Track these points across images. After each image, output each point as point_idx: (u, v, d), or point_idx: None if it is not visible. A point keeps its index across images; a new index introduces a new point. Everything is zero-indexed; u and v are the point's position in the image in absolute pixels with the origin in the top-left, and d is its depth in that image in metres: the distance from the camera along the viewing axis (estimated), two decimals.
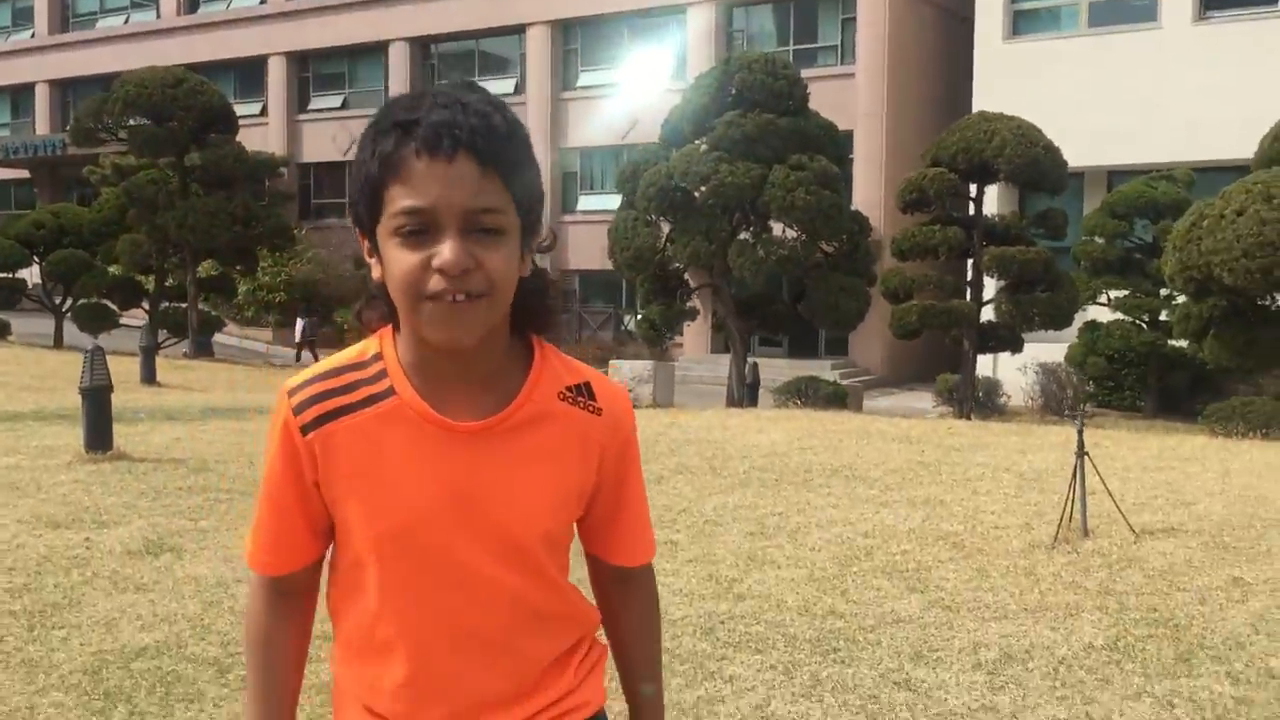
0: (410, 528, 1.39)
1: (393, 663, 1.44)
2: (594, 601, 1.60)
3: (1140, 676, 4.00)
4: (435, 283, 1.27)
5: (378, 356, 1.41)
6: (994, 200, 21.64)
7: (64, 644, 4.46)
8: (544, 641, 1.49)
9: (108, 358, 9.32)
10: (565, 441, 1.42)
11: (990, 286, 18.46)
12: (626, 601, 1.61)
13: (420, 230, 1.27)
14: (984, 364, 21.70)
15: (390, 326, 1.42)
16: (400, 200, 1.27)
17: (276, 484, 1.44)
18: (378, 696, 1.46)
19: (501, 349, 1.40)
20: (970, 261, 18.46)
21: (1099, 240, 22.06)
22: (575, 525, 1.52)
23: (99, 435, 8.75)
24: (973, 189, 18.17)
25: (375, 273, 1.36)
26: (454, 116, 1.26)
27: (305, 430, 1.39)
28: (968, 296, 18.43)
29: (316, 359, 27.44)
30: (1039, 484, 7.72)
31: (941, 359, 22.97)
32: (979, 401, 22.41)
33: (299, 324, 29.14)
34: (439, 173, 1.25)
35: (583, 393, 1.45)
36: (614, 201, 23.00)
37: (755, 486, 7.60)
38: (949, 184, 17.48)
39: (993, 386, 23.62)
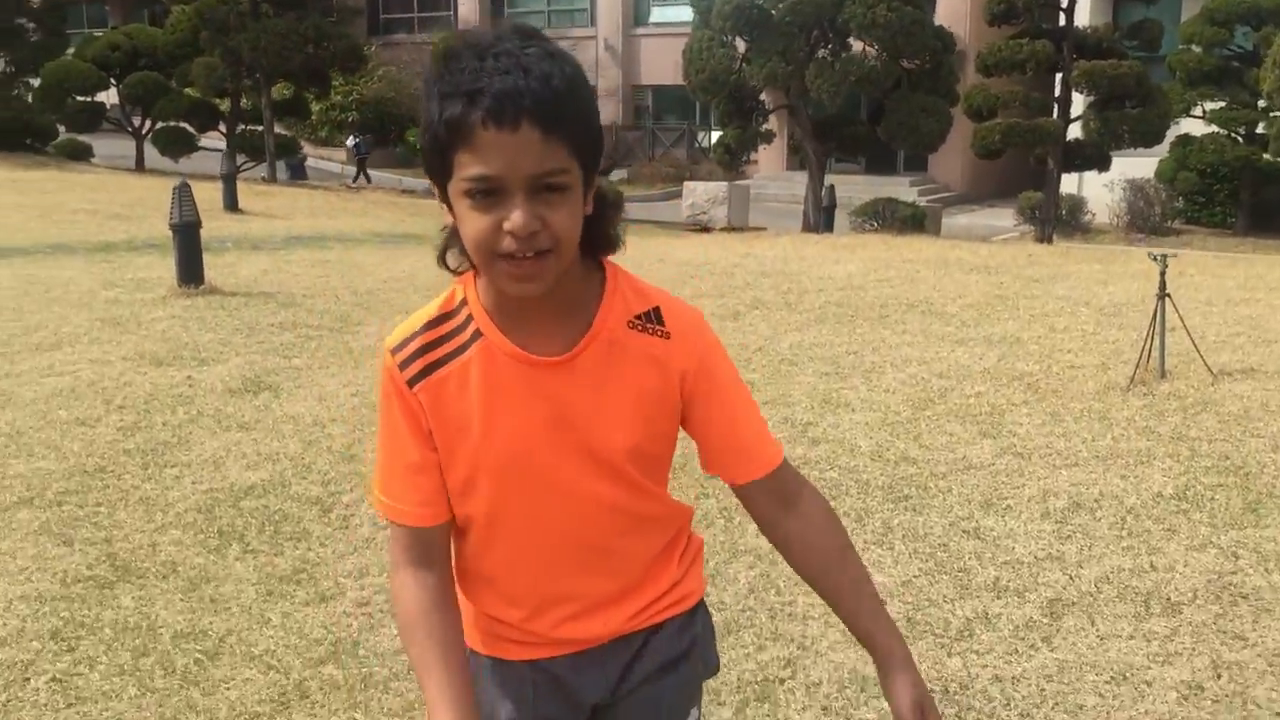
0: (513, 456, 1.49)
1: (509, 586, 1.58)
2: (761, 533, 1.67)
3: (1207, 527, 4.10)
4: (507, 244, 1.34)
5: (464, 303, 1.50)
6: (1086, 11, 20.70)
7: (177, 482, 4.76)
8: (643, 540, 1.60)
9: (191, 183, 9.51)
10: (639, 367, 1.49)
11: (1079, 103, 17.85)
12: (781, 521, 1.60)
13: (489, 193, 1.33)
14: (1069, 181, 21.19)
15: (472, 271, 1.49)
16: (469, 167, 1.33)
17: (396, 434, 1.52)
18: (500, 611, 1.60)
19: (574, 279, 1.46)
20: (1059, 77, 17.82)
21: (1196, 49, 21.12)
22: (695, 445, 1.60)
23: (191, 269, 9.03)
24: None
25: (448, 219, 1.43)
26: (516, 84, 1.29)
27: (412, 384, 1.49)
28: (1055, 114, 17.86)
29: (369, 179, 27.45)
30: (1118, 319, 7.67)
31: (1024, 175, 22.45)
32: (1062, 220, 21.99)
33: (350, 141, 29.19)
34: (505, 142, 1.30)
35: (651, 319, 1.51)
36: (687, 13, 22.40)
37: (831, 323, 7.67)
38: None
39: (1077, 204, 23.11)
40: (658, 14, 35.25)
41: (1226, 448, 4.91)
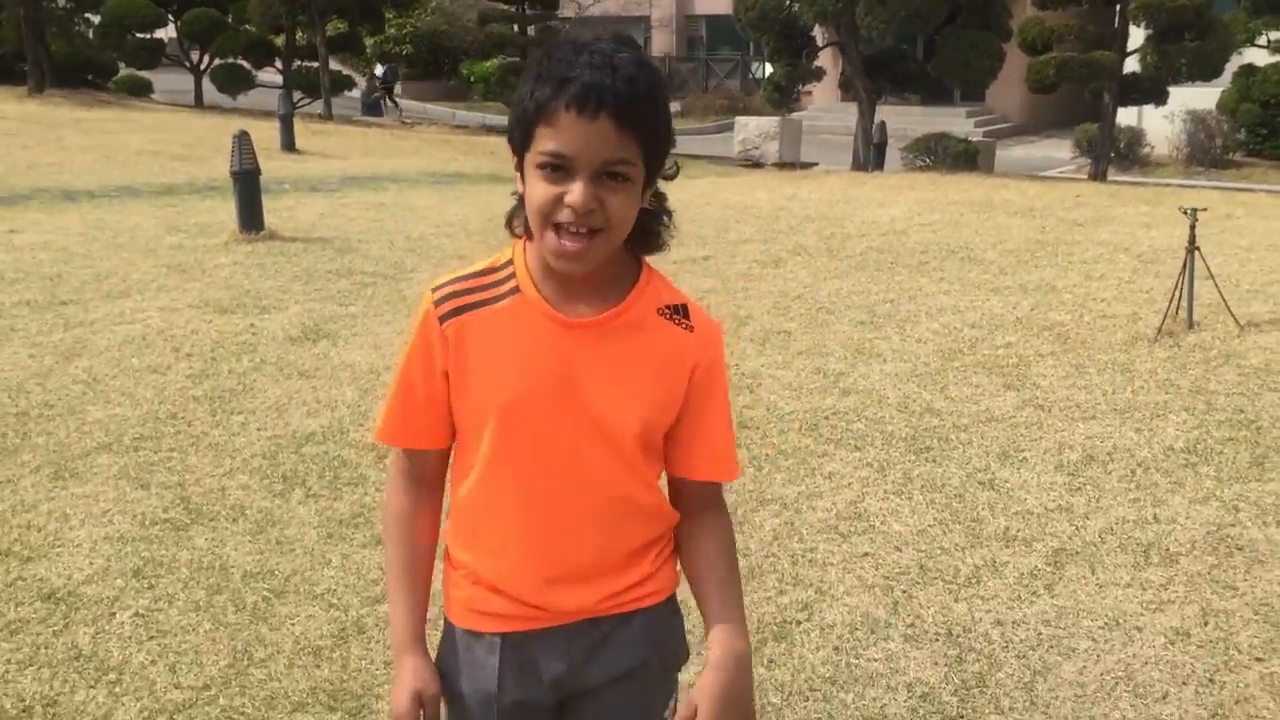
0: (520, 404, 1.61)
1: (498, 532, 1.68)
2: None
3: (1212, 480, 4.29)
4: (565, 215, 1.49)
5: (509, 263, 1.65)
6: None
7: (243, 429, 5.10)
8: (631, 527, 1.70)
9: (248, 123, 9.82)
10: (659, 351, 1.62)
11: (1137, 36, 17.56)
12: (702, 527, 1.73)
13: (559, 168, 1.49)
14: (1129, 113, 20.89)
15: (526, 237, 1.63)
16: (547, 142, 1.48)
17: (410, 366, 1.67)
18: (484, 563, 1.70)
19: (614, 264, 1.61)
20: (1116, 9, 17.52)
21: None
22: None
23: (251, 216, 9.35)
24: None
25: (519, 187, 1.58)
26: (603, 79, 1.45)
27: (443, 320, 1.62)
28: (1112, 47, 17.58)
29: (397, 105, 27.50)
30: (1156, 265, 7.76)
31: (1084, 105, 22.15)
32: (1120, 153, 21.70)
33: (378, 69, 29.30)
34: (583, 127, 1.46)
35: (679, 312, 1.66)
36: None
37: (870, 270, 7.83)
38: None
39: (1136, 137, 22.78)
40: None
41: (1242, 401, 5.07)
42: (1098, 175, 18.03)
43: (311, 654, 3.33)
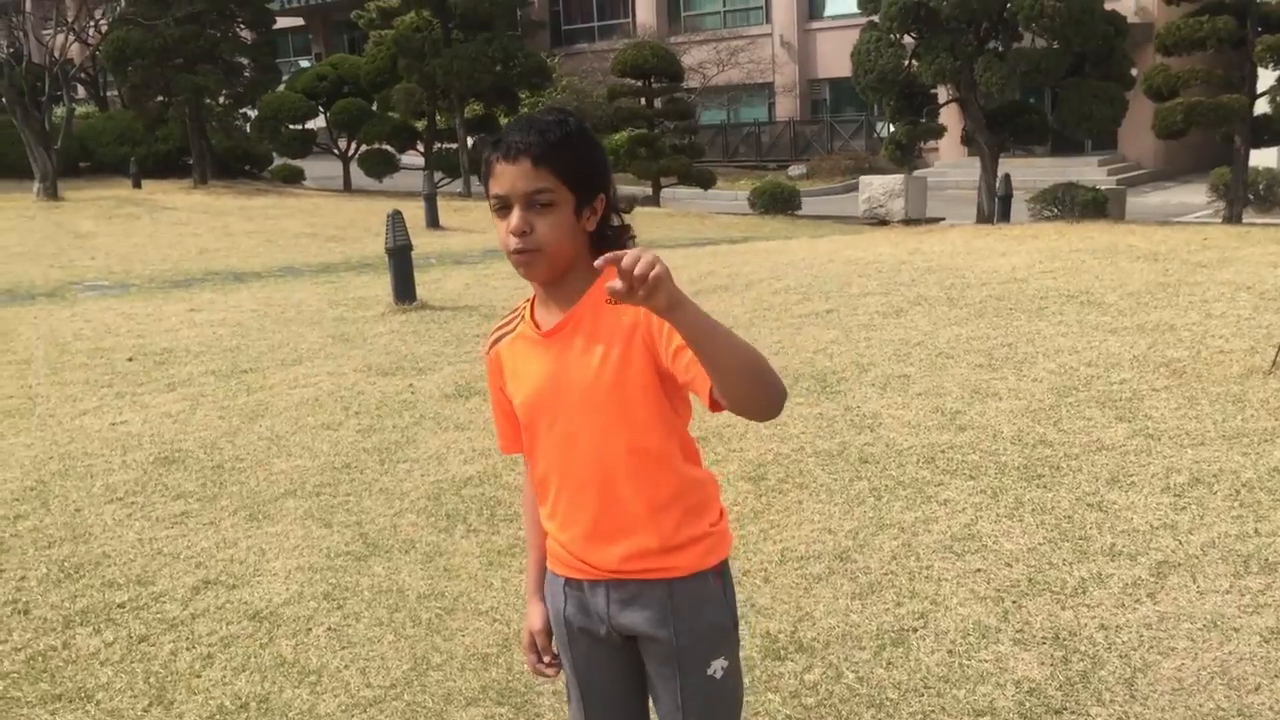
0: (529, 401, 2.09)
1: (549, 500, 2.14)
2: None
3: None
4: (511, 241, 1.94)
5: (529, 300, 2.12)
6: None
7: (409, 475, 5.67)
8: (650, 478, 2.05)
9: (393, 201, 10.62)
10: (603, 331, 1.99)
11: (1266, 77, 17.39)
12: None
13: (503, 207, 1.95)
14: (1267, 154, 20.54)
15: None
16: (492, 188, 1.96)
17: (490, 392, 2.24)
18: (550, 523, 2.17)
19: (580, 279, 2.00)
20: (1244, 51, 17.40)
21: None
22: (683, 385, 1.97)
23: (405, 288, 10.12)
24: None
25: None
26: (521, 135, 1.92)
27: (488, 351, 2.19)
28: (1241, 90, 17.44)
29: None
30: (1278, 303, 7.85)
31: (1220, 148, 21.85)
32: (1259, 196, 21.29)
33: None
34: (507, 172, 1.93)
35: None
36: None
37: (990, 316, 8.10)
38: None
39: (1275, 179, 22.31)
40: (832, 7, 35.43)
41: None
42: (1232, 218, 17.80)
43: (480, 660, 3.81)
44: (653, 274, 1.62)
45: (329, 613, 4.22)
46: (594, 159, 2.01)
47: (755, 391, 1.82)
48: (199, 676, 3.80)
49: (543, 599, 2.28)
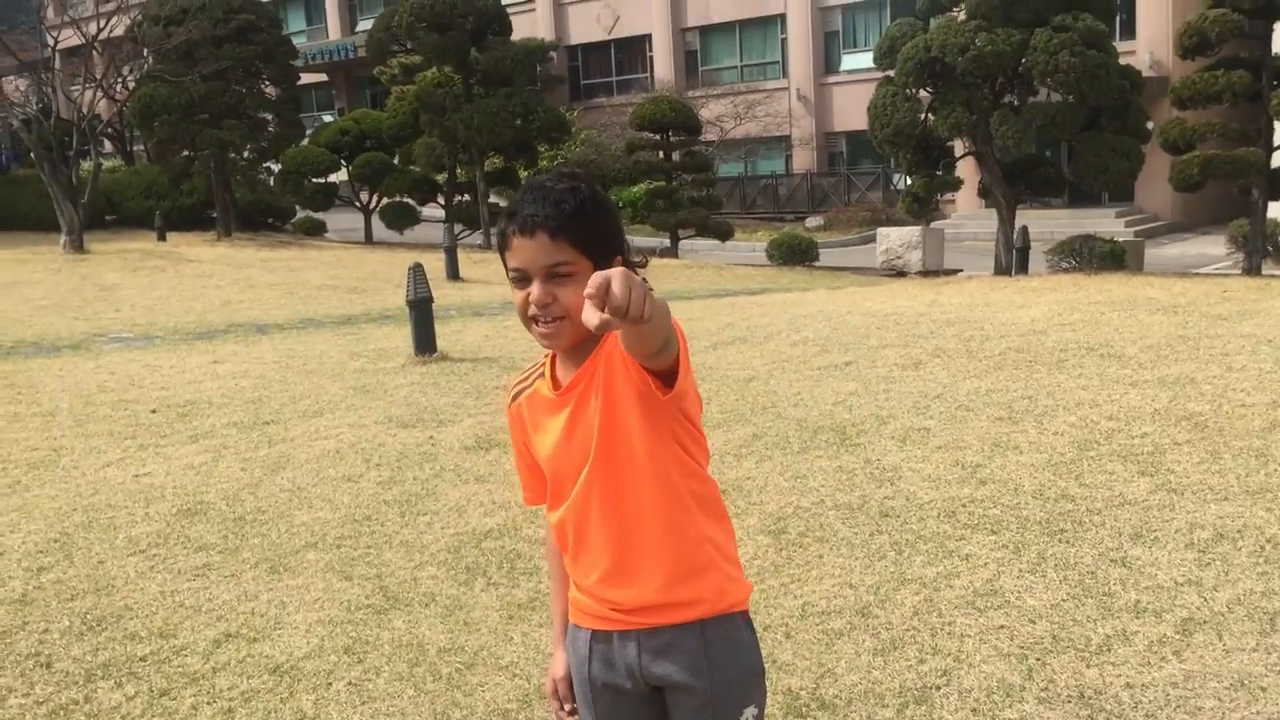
0: (551, 455, 2.13)
1: (574, 548, 2.16)
2: None
3: None
4: (533, 311, 1.99)
5: (549, 357, 2.16)
6: None
7: (429, 527, 5.68)
8: (672, 515, 2.08)
9: (415, 254, 10.72)
10: (606, 377, 2.03)
11: None
12: None
13: (522, 279, 2.00)
14: None
15: None
16: (510, 261, 2.01)
17: (513, 445, 2.27)
18: (574, 572, 2.19)
19: (594, 338, 2.01)
20: (1260, 104, 17.47)
21: None
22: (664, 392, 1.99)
23: (425, 340, 10.18)
24: (1262, 27, 17.11)
25: None
26: (536, 209, 1.96)
27: (510, 404, 2.22)
28: (1258, 143, 17.49)
29: None
30: None
31: (1238, 200, 21.89)
32: (1278, 247, 21.27)
33: None
34: (525, 245, 1.97)
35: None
36: None
37: (1009, 369, 8.10)
38: (1231, 25, 16.54)
39: None
40: (848, 61, 35.78)
41: None
42: (1251, 270, 17.78)
43: (500, 715, 3.80)
44: (634, 297, 1.61)
45: (349, 667, 4.22)
46: (608, 224, 2.04)
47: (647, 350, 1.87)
48: None
49: (564, 646, 2.30)
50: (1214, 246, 24.11)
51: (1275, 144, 17.44)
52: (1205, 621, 4.04)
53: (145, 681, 4.17)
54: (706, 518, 2.13)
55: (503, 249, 2.03)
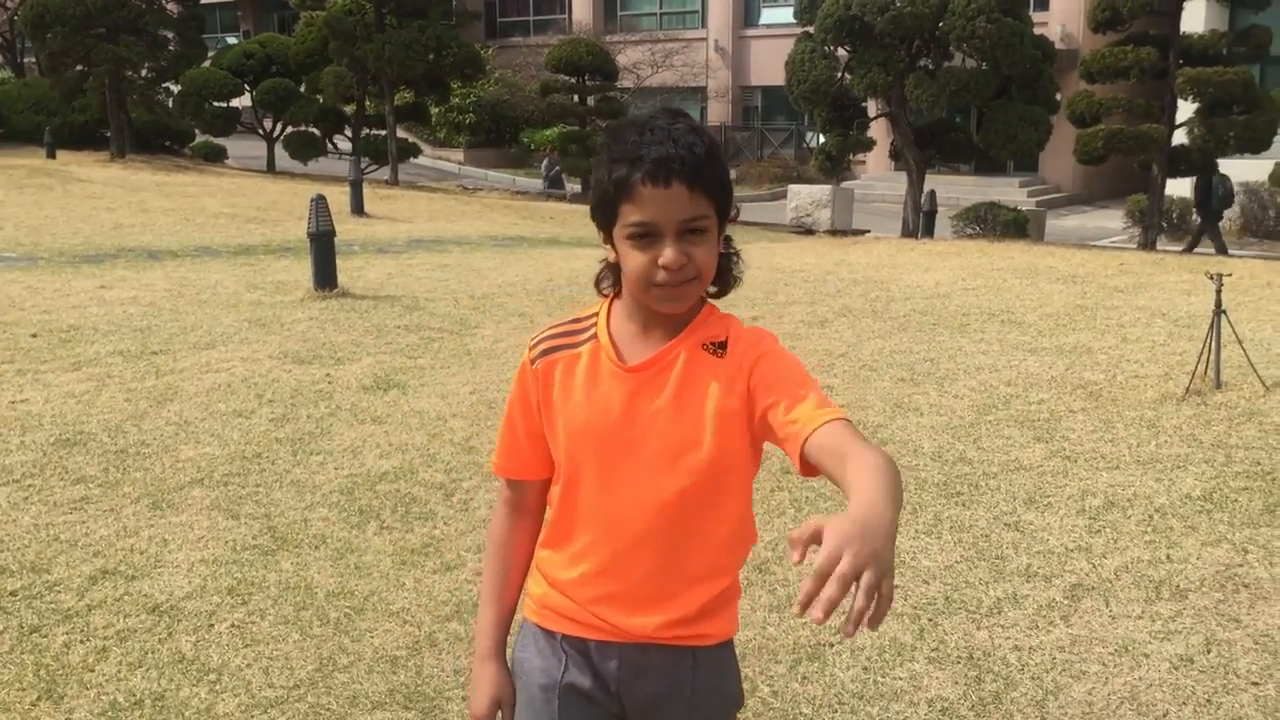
0: (583, 433, 1.83)
1: (571, 547, 1.88)
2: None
3: (1225, 525, 4.56)
4: (661, 276, 1.70)
5: (594, 315, 1.88)
6: (1200, 18, 20.62)
7: (321, 468, 5.52)
8: (694, 551, 1.83)
9: (318, 185, 10.41)
10: (698, 377, 1.79)
11: (1185, 109, 17.85)
12: (849, 461, 1.55)
13: (647, 235, 1.70)
14: (1182, 183, 21.12)
15: (613, 295, 1.88)
16: (632, 215, 1.70)
17: (512, 404, 1.93)
18: (559, 570, 1.90)
19: (690, 316, 1.81)
20: (1165, 82, 17.85)
21: None
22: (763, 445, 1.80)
23: (325, 275, 9.90)
24: (1172, 5, 17.44)
25: (611, 257, 1.81)
26: (668, 152, 1.68)
27: (534, 361, 1.87)
28: (1161, 120, 17.88)
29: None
30: (1192, 330, 8.01)
31: (1137, 175, 22.42)
32: (1172, 224, 21.89)
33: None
34: (659, 196, 1.68)
35: (720, 347, 1.80)
36: None
37: (913, 330, 8.17)
38: (1142, 2, 16.82)
39: (1188, 208, 22.96)
40: (767, 15, 35.68)
41: (1261, 455, 5.33)
42: (1147, 245, 18.24)
43: (389, 662, 3.70)
44: (879, 598, 1.28)
45: (232, 609, 4.07)
46: (727, 170, 1.80)
47: None
48: (92, 671, 3.64)
49: (505, 663, 2.00)
50: (1112, 220, 24.72)
51: (1177, 122, 17.83)
52: (1093, 588, 4.11)
53: (15, 617, 3.98)
54: (744, 549, 1.93)
55: (616, 200, 1.73)
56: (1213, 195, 18.35)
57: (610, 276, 1.87)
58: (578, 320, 1.91)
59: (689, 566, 1.83)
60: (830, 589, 1.27)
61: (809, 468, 1.63)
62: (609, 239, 1.78)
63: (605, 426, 1.82)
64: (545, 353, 1.89)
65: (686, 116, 1.78)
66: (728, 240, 1.84)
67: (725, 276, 1.85)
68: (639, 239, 1.72)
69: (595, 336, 1.85)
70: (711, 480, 1.80)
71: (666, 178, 1.68)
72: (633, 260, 1.73)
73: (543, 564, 1.94)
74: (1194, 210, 19.27)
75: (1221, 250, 17.73)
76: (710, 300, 1.87)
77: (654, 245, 1.70)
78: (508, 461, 1.97)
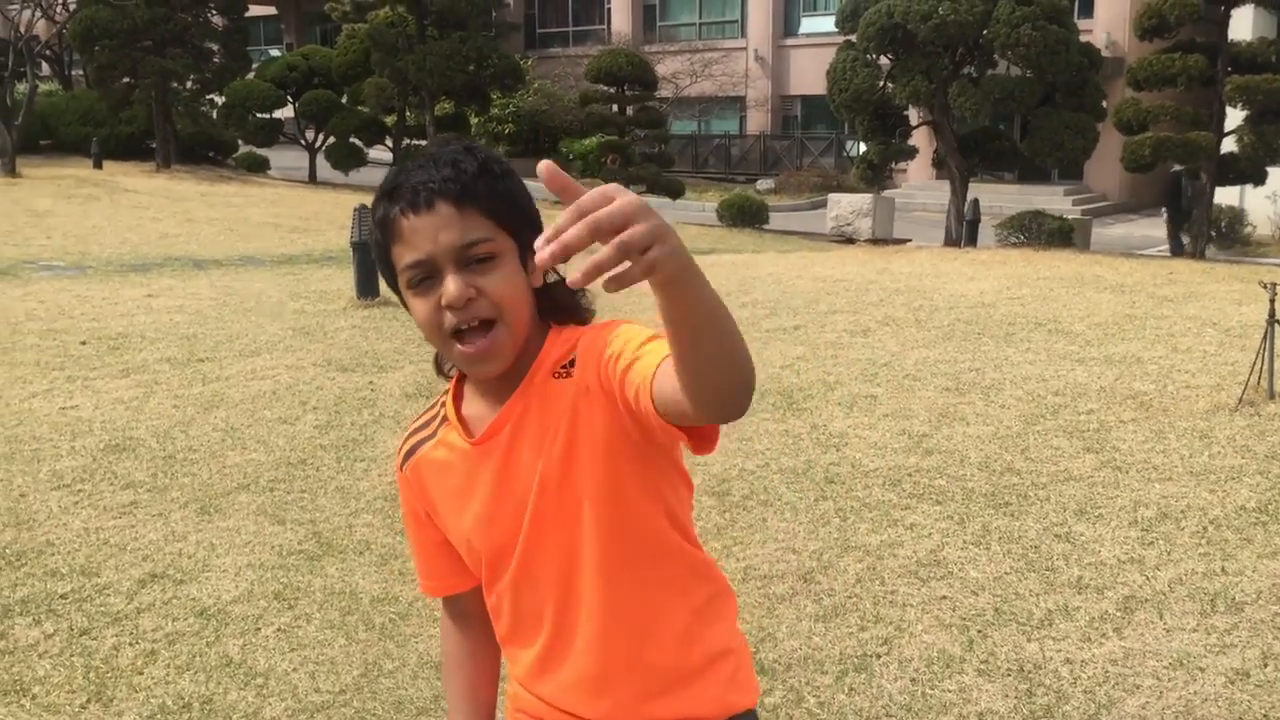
0: (474, 536, 1.57)
1: (514, 641, 1.63)
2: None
3: None
4: (449, 319, 1.40)
5: (444, 394, 1.61)
6: (1249, 25, 20.32)
7: (366, 474, 5.54)
8: (650, 594, 1.53)
9: (359, 195, 10.48)
10: (556, 413, 1.48)
11: (1234, 117, 17.60)
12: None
13: (426, 278, 1.41)
14: (1230, 192, 20.83)
15: (458, 375, 1.59)
16: (403, 258, 1.42)
17: (405, 520, 1.71)
18: (514, 666, 1.66)
19: (525, 353, 1.49)
20: (1214, 90, 17.62)
21: None
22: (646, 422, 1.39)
23: (368, 283, 9.97)
24: (1220, 12, 17.23)
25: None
26: (427, 174, 1.41)
27: (402, 467, 1.64)
28: (1209, 127, 17.64)
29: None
30: (1243, 340, 7.88)
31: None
32: (1221, 233, 21.59)
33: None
34: (424, 224, 1.39)
35: (567, 367, 1.49)
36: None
37: (957, 340, 8.09)
38: (1190, 9, 16.61)
39: (1237, 216, 22.65)
40: (807, 25, 35.57)
41: None
42: (1196, 254, 18.00)
43: (434, 668, 3.70)
44: (641, 229, 1.06)
45: (279, 613, 4.09)
46: (522, 190, 1.50)
47: (735, 385, 1.22)
48: (141, 674, 3.67)
49: None
50: (1158, 229, 24.38)
51: (1226, 129, 17.59)
52: (1147, 600, 4.04)
53: (65, 620, 4.02)
54: (703, 600, 1.59)
55: (386, 247, 1.45)
56: (1182, 195, 18.20)
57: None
58: (430, 408, 1.67)
59: (628, 627, 1.54)
60: (579, 229, 1.04)
61: (663, 406, 1.29)
62: (403, 302, 1.49)
63: (488, 513, 1.54)
64: (408, 454, 1.64)
65: (468, 143, 1.51)
66: (559, 280, 1.51)
67: (567, 310, 1.54)
68: (420, 284, 1.43)
69: (445, 417, 1.59)
70: (627, 520, 1.50)
71: (428, 200, 1.40)
72: (419, 311, 1.44)
73: (511, 672, 1.69)
74: (1164, 211, 18.99)
75: (1177, 251, 17.60)
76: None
77: (437, 285, 1.42)
78: (430, 580, 1.71)
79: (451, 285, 1.39)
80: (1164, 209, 18.96)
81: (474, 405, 1.55)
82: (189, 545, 4.67)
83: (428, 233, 1.40)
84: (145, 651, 3.80)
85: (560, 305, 1.53)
